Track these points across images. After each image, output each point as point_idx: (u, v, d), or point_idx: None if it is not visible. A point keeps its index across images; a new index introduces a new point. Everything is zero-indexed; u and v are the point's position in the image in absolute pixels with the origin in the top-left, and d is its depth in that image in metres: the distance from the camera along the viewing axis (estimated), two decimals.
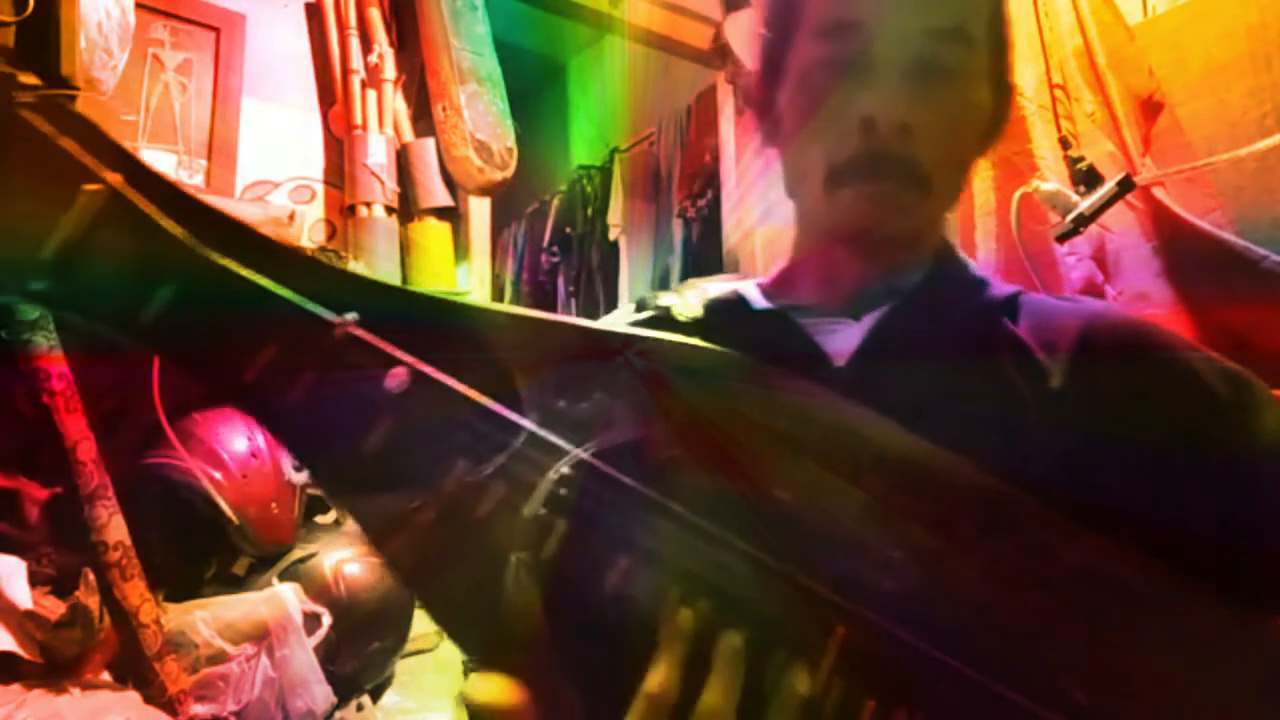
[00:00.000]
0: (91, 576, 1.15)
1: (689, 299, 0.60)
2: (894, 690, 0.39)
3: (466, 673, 1.92)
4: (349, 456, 0.41)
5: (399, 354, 0.41)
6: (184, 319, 0.41)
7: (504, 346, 0.44)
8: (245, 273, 0.41)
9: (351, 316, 0.41)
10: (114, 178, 0.40)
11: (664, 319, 0.59)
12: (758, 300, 0.63)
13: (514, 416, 0.42)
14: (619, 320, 0.64)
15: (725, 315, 0.60)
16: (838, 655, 0.39)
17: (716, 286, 0.64)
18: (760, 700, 0.40)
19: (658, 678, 0.38)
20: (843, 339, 0.58)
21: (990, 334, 0.56)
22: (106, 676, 1.21)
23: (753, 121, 0.66)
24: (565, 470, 0.41)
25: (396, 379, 0.41)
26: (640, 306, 0.63)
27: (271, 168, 1.96)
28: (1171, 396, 0.52)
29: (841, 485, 0.43)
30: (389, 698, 1.63)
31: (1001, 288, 0.61)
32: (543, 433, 0.41)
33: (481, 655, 0.40)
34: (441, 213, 2.05)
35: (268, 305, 0.41)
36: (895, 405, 0.46)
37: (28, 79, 0.41)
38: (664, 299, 0.61)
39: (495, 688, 0.38)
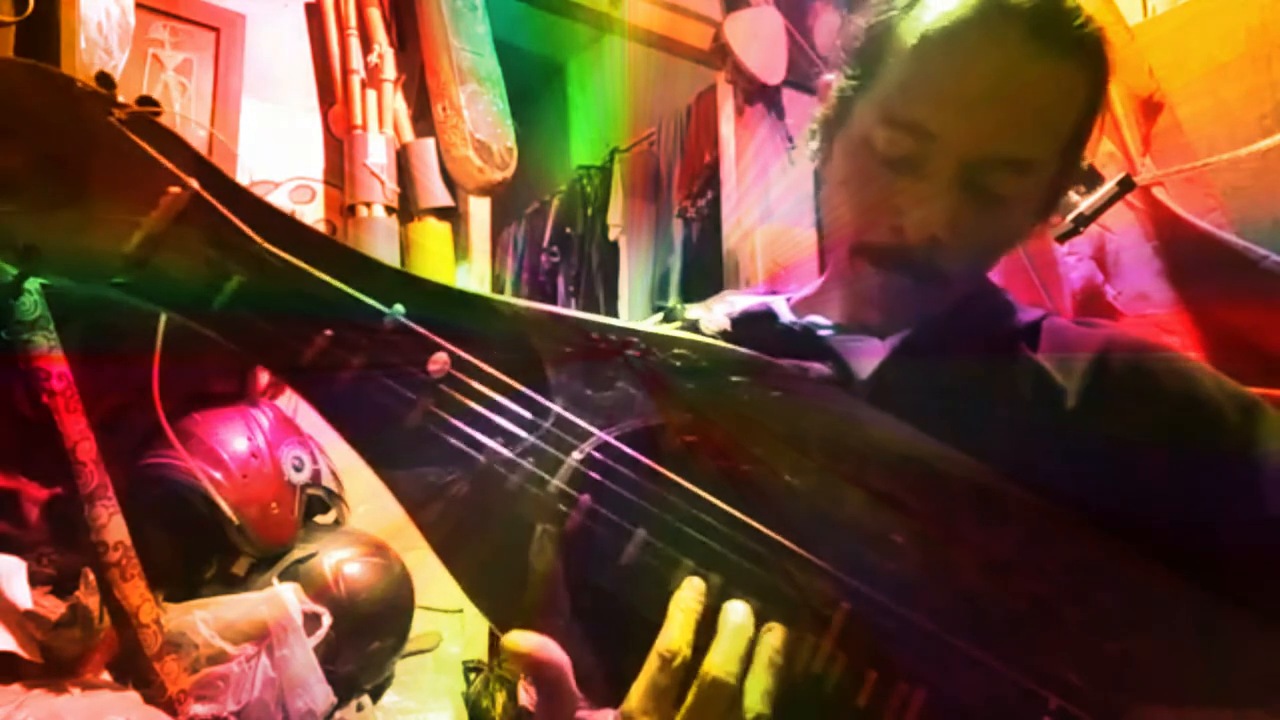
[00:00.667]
0: (91, 576, 1.15)
1: (715, 312, 0.62)
2: (895, 664, 0.41)
3: (467, 674, 1.92)
4: (391, 434, 0.45)
5: (441, 342, 0.46)
6: (249, 307, 0.45)
7: (538, 338, 0.48)
8: (305, 267, 0.45)
9: (399, 309, 0.46)
10: (192, 182, 0.45)
11: (690, 331, 0.60)
12: (785, 314, 0.64)
13: (543, 400, 0.45)
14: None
15: (752, 328, 0.62)
16: (842, 630, 0.41)
17: (744, 299, 0.66)
18: None
19: (669, 638, 0.40)
20: (866, 356, 0.59)
21: (1010, 359, 0.58)
22: (106, 676, 1.21)
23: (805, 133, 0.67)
24: (589, 450, 0.44)
25: (438, 364, 0.45)
26: (667, 318, 0.65)
27: (271, 168, 1.96)
28: (1180, 416, 0.54)
29: (852, 466, 0.45)
30: (389, 698, 1.63)
31: (1027, 314, 0.62)
32: (569, 416, 0.45)
33: (504, 620, 0.43)
34: (441, 213, 2.05)
35: (324, 297, 0.45)
36: (912, 421, 0.47)
37: (121, 99, 0.46)
38: (691, 311, 0.63)
39: (536, 640, 0.41)
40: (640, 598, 0.42)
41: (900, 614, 0.42)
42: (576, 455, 0.44)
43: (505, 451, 0.44)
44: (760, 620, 0.41)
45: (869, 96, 0.58)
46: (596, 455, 0.44)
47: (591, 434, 0.45)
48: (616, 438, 0.45)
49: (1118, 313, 1.43)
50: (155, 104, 0.46)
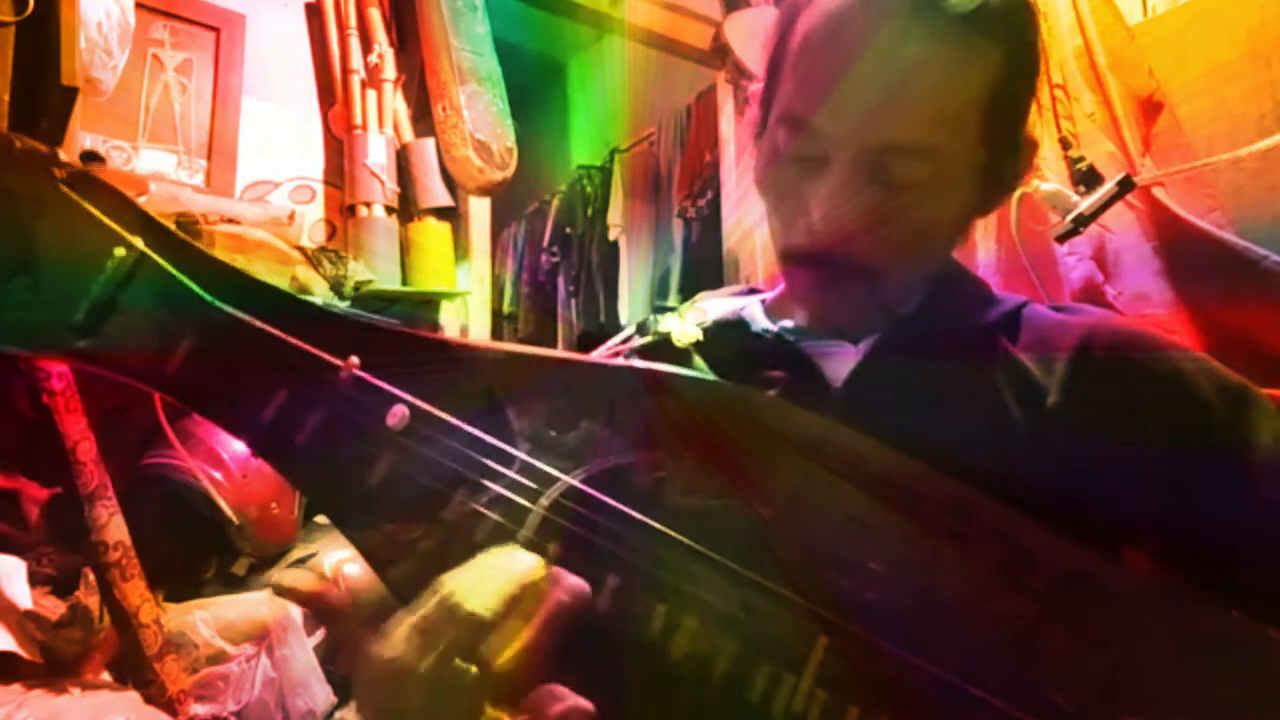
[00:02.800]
0: (91, 576, 1.16)
1: (689, 322, 0.61)
2: (877, 699, 0.40)
3: None
4: (355, 491, 0.44)
5: (399, 393, 0.44)
6: (203, 368, 0.44)
7: (499, 380, 0.47)
8: (256, 323, 0.44)
9: (355, 360, 0.45)
10: (138, 242, 0.44)
11: (664, 344, 0.59)
12: (758, 322, 0.63)
13: (507, 447, 0.44)
14: (618, 344, 0.65)
15: (725, 338, 0.61)
16: (821, 665, 0.40)
17: (719, 305, 0.65)
18: (749, 713, 0.40)
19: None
20: (840, 362, 0.58)
21: (988, 357, 0.56)
22: (106, 676, 1.21)
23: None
24: (556, 496, 0.43)
25: (397, 416, 0.44)
26: (641, 330, 0.64)
27: (271, 168, 1.96)
28: (1166, 410, 0.52)
29: (826, 491, 0.44)
30: None
31: (1005, 303, 0.60)
32: (534, 461, 0.44)
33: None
34: (441, 213, 2.06)
35: (278, 351, 0.44)
36: (887, 428, 0.46)
37: (65, 157, 0.45)
38: (664, 323, 0.61)
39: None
40: (620, 643, 0.41)
41: (881, 646, 0.40)
42: (544, 502, 0.43)
43: (471, 503, 0.43)
44: (741, 662, 0.40)
45: (775, 98, 0.58)
46: (564, 500, 0.43)
47: (558, 479, 0.43)
48: (584, 480, 0.43)
49: (1118, 313, 1.42)
50: (99, 159, 0.45)
